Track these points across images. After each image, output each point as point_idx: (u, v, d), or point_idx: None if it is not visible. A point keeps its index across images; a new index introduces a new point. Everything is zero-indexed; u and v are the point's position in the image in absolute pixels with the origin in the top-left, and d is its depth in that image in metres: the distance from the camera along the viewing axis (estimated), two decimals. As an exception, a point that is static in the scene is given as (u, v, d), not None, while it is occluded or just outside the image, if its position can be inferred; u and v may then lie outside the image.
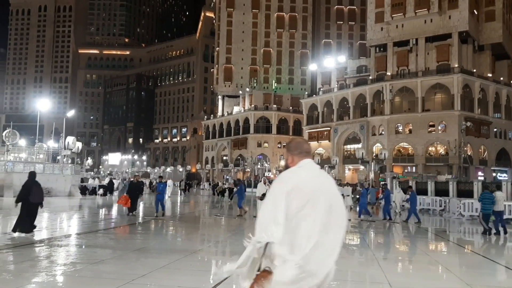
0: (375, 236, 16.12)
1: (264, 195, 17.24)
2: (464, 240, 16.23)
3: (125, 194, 19.91)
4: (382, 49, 72.78)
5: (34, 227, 12.01)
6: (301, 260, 2.69)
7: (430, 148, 63.58)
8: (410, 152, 64.39)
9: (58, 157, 39.32)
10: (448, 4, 65.89)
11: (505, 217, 20.60)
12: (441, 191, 28.19)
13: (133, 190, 19.29)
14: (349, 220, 19.82)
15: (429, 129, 62.69)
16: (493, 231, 15.64)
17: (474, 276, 9.01)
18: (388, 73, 69.45)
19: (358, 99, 70.33)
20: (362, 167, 64.11)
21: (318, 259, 2.71)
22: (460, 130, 54.11)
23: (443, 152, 62.34)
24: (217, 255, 10.79)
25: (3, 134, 37.05)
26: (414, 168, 62.65)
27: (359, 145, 66.52)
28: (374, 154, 62.48)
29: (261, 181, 19.35)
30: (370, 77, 72.66)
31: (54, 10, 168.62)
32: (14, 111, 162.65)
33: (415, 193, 21.22)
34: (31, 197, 11.53)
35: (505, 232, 15.87)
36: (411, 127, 63.94)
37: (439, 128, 62.05)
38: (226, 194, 36.84)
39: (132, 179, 23.81)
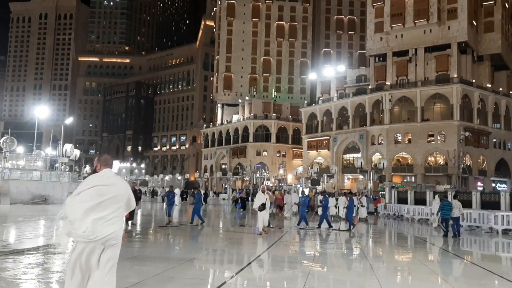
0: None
1: (263, 205, 16.18)
2: (460, 250, 16.11)
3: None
4: (381, 58, 73.02)
5: None
6: (83, 230, 4.30)
7: (429, 158, 63.55)
8: (409, 161, 64.34)
9: (56, 165, 39.21)
10: (448, 15, 66.22)
11: (503, 227, 20.71)
12: (440, 201, 28.02)
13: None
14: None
15: (428, 139, 62.72)
16: (451, 234, 17.99)
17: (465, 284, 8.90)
18: (388, 83, 69.60)
19: (358, 109, 70.39)
20: (361, 177, 64.00)
21: (97, 227, 4.31)
22: (459, 140, 54.09)
23: (442, 162, 62.26)
24: (213, 264, 10.66)
25: (1, 141, 36.94)
26: (413, 178, 62.56)
27: (358, 155, 66.49)
28: (373, 164, 62.38)
29: (259, 190, 18.06)
30: (370, 87, 72.83)
31: (55, 17, 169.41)
32: (13, 118, 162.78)
33: (353, 200, 20.86)
34: None
35: (458, 236, 17.89)
36: (410, 137, 63.95)
37: (438, 138, 62.06)
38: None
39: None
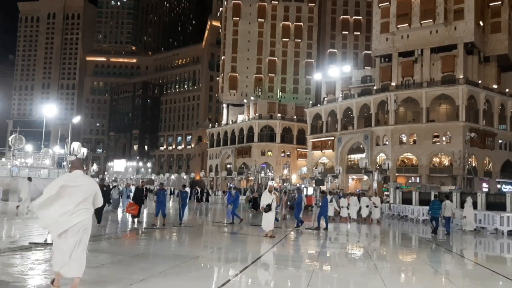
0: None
1: (269, 206, 15.20)
2: (462, 250, 16.14)
3: (131, 201, 19.55)
4: (387, 59, 72.86)
5: None
6: (50, 218, 5.66)
7: (434, 159, 63.36)
8: (414, 162, 64.17)
9: (64, 163, 39.43)
10: (454, 15, 65.99)
11: (509, 228, 20.70)
12: (445, 202, 27.94)
13: (139, 197, 18.99)
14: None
15: (434, 140, 62.51)
16: (445, 232, 19.47)
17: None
18: (393, 83, 69.45)
19: (363, 109, 70.29)
20: (365, 177, 63.88)
21: (65, 219, 5.65)
22: (465, 141, 53.93)
23: (447, 163, 62.07)
24: (217, 262, 10.78)
25: (10, 139, 37.24)
26: (418, 178, 62.40)
27: (363, 155, 66.35)
28: (377, 164, 62.27)
29: (266, 189, 16.84)
30: (375, 87, 72.68)
31: (63, 17, 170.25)
32: (21, 116, 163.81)
33: (327, 199, 20.56)
34: None
35: (448, 234, 19.11)
36: (415, 138, 63.77)
37: (444, 139, 61.86)
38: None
39: (137, 185, 23.49)
